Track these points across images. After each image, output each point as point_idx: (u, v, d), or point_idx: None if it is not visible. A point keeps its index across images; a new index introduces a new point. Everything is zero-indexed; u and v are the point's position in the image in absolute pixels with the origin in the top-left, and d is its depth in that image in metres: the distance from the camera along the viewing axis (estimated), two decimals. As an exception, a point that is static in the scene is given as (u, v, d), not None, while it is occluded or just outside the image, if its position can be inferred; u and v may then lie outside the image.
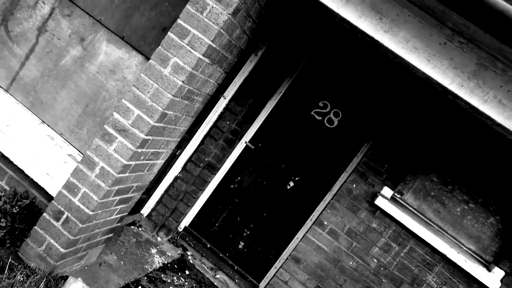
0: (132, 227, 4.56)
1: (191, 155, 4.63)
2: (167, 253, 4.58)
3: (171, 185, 4.67)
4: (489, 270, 4.17)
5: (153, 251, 4.43)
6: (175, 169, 4.61)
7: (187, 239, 4.92)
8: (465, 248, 4.34)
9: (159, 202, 4.69)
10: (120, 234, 4.26)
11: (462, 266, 4.16)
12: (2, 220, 3.03)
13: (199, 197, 4.84)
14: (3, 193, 3.18)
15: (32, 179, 3.25)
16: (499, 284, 4.10)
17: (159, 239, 4.73)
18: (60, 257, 3.05)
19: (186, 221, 4.91)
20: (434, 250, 4.27)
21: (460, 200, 4.37)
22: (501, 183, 4.26)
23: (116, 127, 2.97)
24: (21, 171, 3.26)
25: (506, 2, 2.33)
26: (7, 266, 2.90)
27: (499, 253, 4.25)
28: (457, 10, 2.50)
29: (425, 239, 4.23)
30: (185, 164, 4.64)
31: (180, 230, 4.91)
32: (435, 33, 2.87)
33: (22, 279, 2.85)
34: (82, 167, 3.01)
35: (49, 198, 3.25)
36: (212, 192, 4.88)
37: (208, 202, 4.90)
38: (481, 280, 4.12)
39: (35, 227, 3.05)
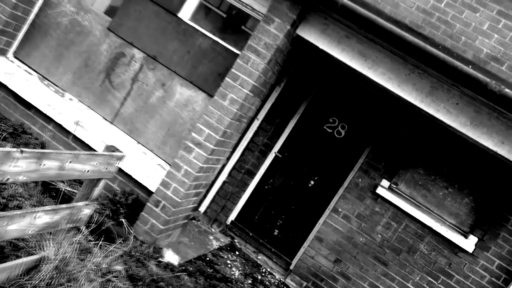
0: (193, 221, 6.03)
1: (235, 164, 6.12)
2: (220, 239, 6.03)
3: (221, 188, 6.15)
4: (466, 237, 5.52)
5: (211, 237, 5.89)
6: (223, 175, 6.09)
7: (233, 230, 6.37)
8: (447, 223, 5.70)
9: (212, 201, 6.17)
10: (187, 225, 5.73)
11: (446, 236, 5.52)
12: (121, 209, 4.54)
13: (241, 197, 6.30)
14: (118, 191, 4.70)
15: (136, 181, 4.76)
16: (474, 247, 5.45)
17: (213, 230, 6.18)
18: (159, 232, 4.52)
19: (232, 216, 6.36)
20: (423, 225, 5.64)
21: (441, 187, 5.76)
22: (471, 170, 5.64)
23: (194, 141, 4.48)
24: (128, 176, 4.78)
25: (438, 50, 3.81)
26: (131, 240, 4.39)
27: (473, 225, 5.61)
28: (409, 54, 3.99)
29: (416, 217, 5.60)
30: (231, 171, 6.13)
31: (228, 223, 6.36)
32: (402, 68, 4.36)
33: (138, 245, 4.33)
34: (172, 170, 4.51)
35: (148, 193, 4.76)
36: (251, 192, 6.34)
37: (248, 200, 6.35)
38: (460, 245, 5.47)
39: (142, 212, 4.55)
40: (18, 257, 3.06)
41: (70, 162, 2.55)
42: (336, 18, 4.43)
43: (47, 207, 2.64)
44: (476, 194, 5.65)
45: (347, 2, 3.97)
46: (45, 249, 2.95)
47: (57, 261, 2.85)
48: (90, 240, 4.02)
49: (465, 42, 5.55)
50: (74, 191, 4.76)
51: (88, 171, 2.75)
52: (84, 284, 3.12)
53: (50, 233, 3.16)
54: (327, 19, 4.53)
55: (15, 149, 2.13)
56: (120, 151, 3.01)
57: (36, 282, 2.73)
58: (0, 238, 2.39)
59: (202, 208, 6.17)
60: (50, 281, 2.84)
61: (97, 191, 3.03)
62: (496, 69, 5.46)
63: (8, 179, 2.19)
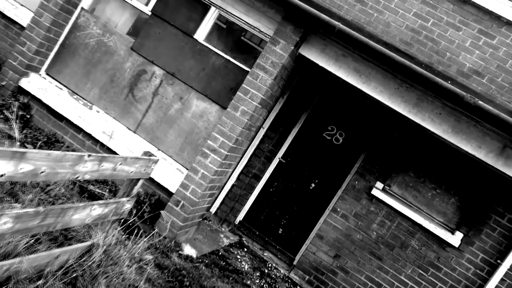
0: (205, 220, 6.63)
1: (243, 169, 6.73)
2: (230, 237, 6.62)
3: (230, 191, 6.76)
4: (452, 233, 6.12)
5: (221, 235, 6.48)
6: (232, 179, 6.70)
7: (241, 229, 6.96)
8: (436, 221, 6.30)
9: (222, 203, 6.77)
10: (200, 225, 6.32)
11: (434, 232, 6.12)
12: (145, 208, 5.13)
13: (248, 199, 6.90)
14: (142, 192, 5.30)
15: (158, 183, 5.37)
16: (460, 242, 6.05)
17: (223, 229, 6.77)
18: (179, 228, 5.12)
19: (240, 216, 6.95)
20: (414, 223, 6.24)
21: (430, 188, 6.37)
22: (456, 173, 6.26)
23: (209, 148, 5.09)
24: (151, 179, 5.38)
25: (422, 68, 4.44)
26: (154, 235, 4.98)
27: (459, 222, 6.21)
28: (397, 72, 4.62)
29: (408, 216, 6.21)
30: (239, 175, 6.74)
31: (236, 223, 6.96)
32: (392, 82, 4.99)
33: (162, 239, 4.93)
34: (190, 173, 5.12)
35: (168, 194, 5.35)
36: (257, 195, 6.94)
37: (255, 202, 6.95)
38: (447, 240, 6.07)
39: (164, 211, 5.14)
40: (70, 244, 3.65)
41: (120, 164, 3.16)
42: (334, 40, 5.07)
43: (100, 201, 3.24)
44: (462, 194, 6.26)
45: (343, 27, 4.61)
46: (93, 238, 3.54)
47: (105, 247, 3.45)
48: (121, 234, 4.61)
49: (450, 57, 6.19)
50: (103, 192, 5.36)
51: (132, 172, 3.36)
52: (124, 268, 3.71)
53: (95, 225, 3.77)
54: (325, 40, 5.17)
55: (85, 153, 2.74)
56: (155, 156, 3.62)
57: (90, 264, 3.32)
58: (67, 225, 3.00)
59: (213, 209, 6.77)
60: (99, 263, 3.43)
61: (135, 189, 3.64)
62: (478, 82, 6.09)
63: (78, 177, 2.79)
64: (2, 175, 2.21)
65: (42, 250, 3.14)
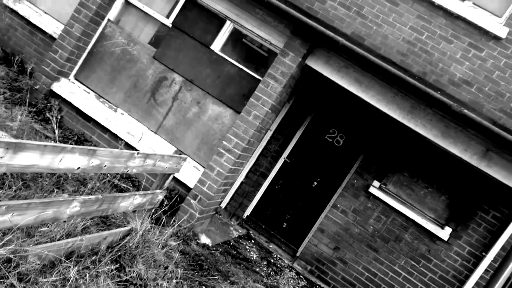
0: (216, 215, 7.22)
1: (251, 167, 7.33)
2: (239, 230, 7.21)
3: (239, 187, 7.35)
4: (442, 228, 6.73)
5: (231, 228, 7.08)
6: (241, 177, 7.30)
7: (249, 223, 7.56)
8: (427, 216, 6.91)
9: (231, 198, 7.37)
10: (212, 218, 6.91)
11: (426, 227, 6.73)
12: (166, 201, 5.72)
13: (256, 195, 7.50)
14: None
15: (177, 179, 5.96)
16: (449, 236, 6.66)
17: (232, 222, 7.37)
18: (196, 220, 5.71)
19: (248, 211, 7.55)
20: (408, 219, 6.85)
21: (422, 187, 6.98)
22: (446, 173, 6.87)
23: (224, 148, 5.69)
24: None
25: (415, 80, 5.04)
26: (175, 225, 5.57)
27: (448, 218, 6.82)
28: (393, 82, 5.22)
29: (402, 212, 6.82)
30: (247, 173, 7.34)
31: (244, 217, 7.55)
32: (388, 91, 5.60)
33: (182, 228, 5.52)
34: (207, 171, 5.71)
35: (186, 189, 5.95)
36: (264, 191, 7.54)
37: (262, 198, 7.55)
38: (437, 234, 6.68)
39: (183, 204, 5.73)
40: (109, 229, 4.24)
41: (159, 161, 3.76)
42: (337, 53, 5.68)
43: (140, 192, 3.84)
44: (451, 193, 6.87)
45: (346, 42, 5.22)
46: (131, 223, 4.13)
47: (142, 231, 4.04)
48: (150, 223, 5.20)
49: (442, 68, 6.80)
50: (128, 187, 5.95)
51: (166, 167, 3.96)
52: (155, 251, 4.31)
53: (131, 213, 4.36)
54: (330, 52, 5.77)
55: (135, 152, 3.34)
56: (185, 154, 4.22)
57: (130, 245, 3.92)
58: (115, 210, 3.59)
59: (223, 204, 7.37)
60: (137, 245, 4.03)
61: (167, 183, 4.24)
62: (467, 91, 6.70)
63: (128, 170, 3.39)
64: (78, 168, 2.80)
65: (93, 232, 3.73)
